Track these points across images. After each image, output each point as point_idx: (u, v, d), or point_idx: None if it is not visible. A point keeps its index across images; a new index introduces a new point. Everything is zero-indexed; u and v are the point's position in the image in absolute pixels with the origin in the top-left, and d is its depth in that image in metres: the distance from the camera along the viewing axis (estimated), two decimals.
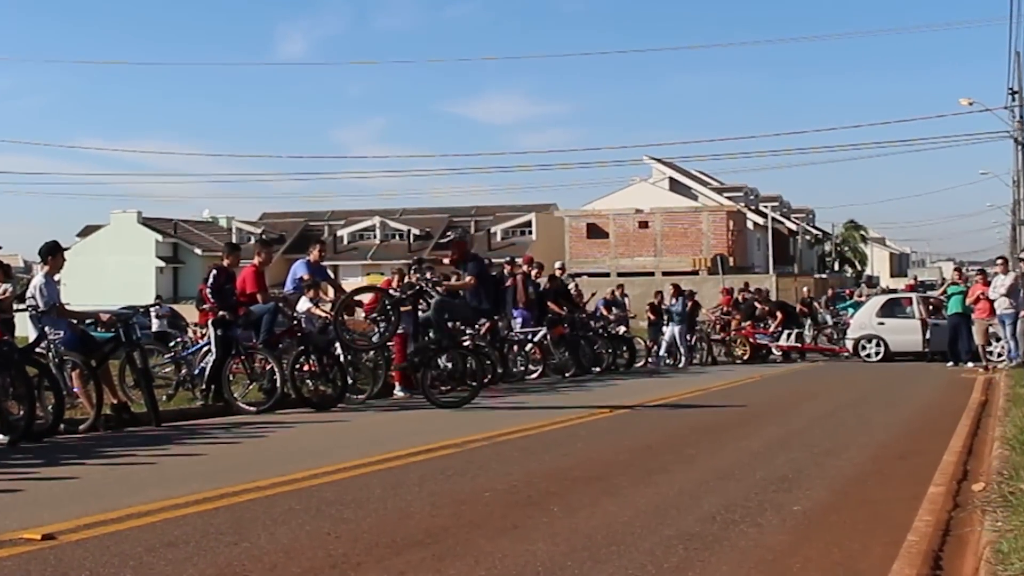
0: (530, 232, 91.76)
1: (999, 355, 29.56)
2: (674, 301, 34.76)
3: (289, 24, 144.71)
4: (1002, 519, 7.32)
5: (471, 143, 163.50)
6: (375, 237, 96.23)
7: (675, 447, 12.81)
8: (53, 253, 15.38)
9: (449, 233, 21.69)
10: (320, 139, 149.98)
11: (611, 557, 6.92)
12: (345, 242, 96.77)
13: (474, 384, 17.89)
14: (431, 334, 17.88)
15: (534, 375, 25.22)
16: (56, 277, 15.49)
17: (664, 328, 34.91)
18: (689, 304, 35.24)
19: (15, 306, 15.98)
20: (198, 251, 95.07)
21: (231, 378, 17.60)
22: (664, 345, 34.70)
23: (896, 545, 7.28)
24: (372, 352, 20.20)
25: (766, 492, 9.52)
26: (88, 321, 15.94)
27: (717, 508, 8.67)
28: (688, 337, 35.04)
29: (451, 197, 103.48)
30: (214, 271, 18.73)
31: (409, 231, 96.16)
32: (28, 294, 15.16)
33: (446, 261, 16.52)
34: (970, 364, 29.20)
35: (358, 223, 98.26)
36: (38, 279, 15.31)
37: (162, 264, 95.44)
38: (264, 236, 72.93)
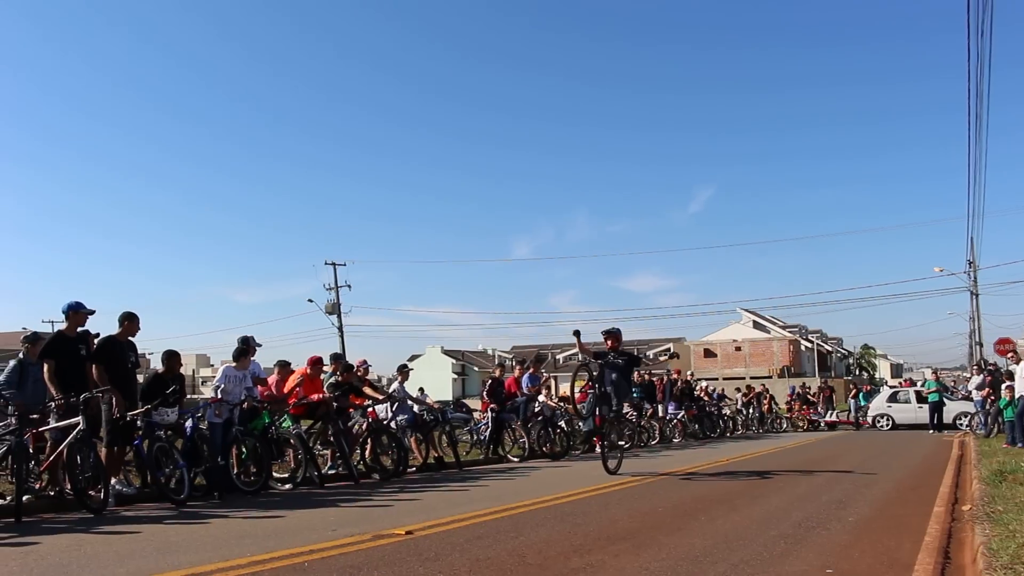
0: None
1: (966, 426, 28.38)
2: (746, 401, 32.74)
3: (517, 237, 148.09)
4: (988, 528, 6.88)
5: (627, 302, 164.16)
6: (577, 359, 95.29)
7: (767, 481, 12.32)
8: (404, 371, 15.94)
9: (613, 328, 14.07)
10: (542, 303, 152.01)
11: (741, 547, 6.70)
12: (561, 362, 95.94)
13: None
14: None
15: (678, 439, 24.60)
16: (404, 384, 15.87)
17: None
18: (766, 399, 34.56)
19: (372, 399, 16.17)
20: (476, 368, 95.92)
21: (503, 442, 17.71)
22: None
23: (918, 543, 6.91)
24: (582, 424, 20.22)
25: (830, 509, 9.09)
26: (421, 408, 16.10)
27: (801, 518, 8.30)
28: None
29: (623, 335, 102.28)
30: (489, 380, 18.94)
31: None
32: (396, 393, 15.49)
33: (609, 343, 13.47)
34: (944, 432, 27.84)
35: (568, 350, 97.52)
36: (396, 386, 15.73)
37: (455, 376, 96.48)
38: (521, 358, 73.55)
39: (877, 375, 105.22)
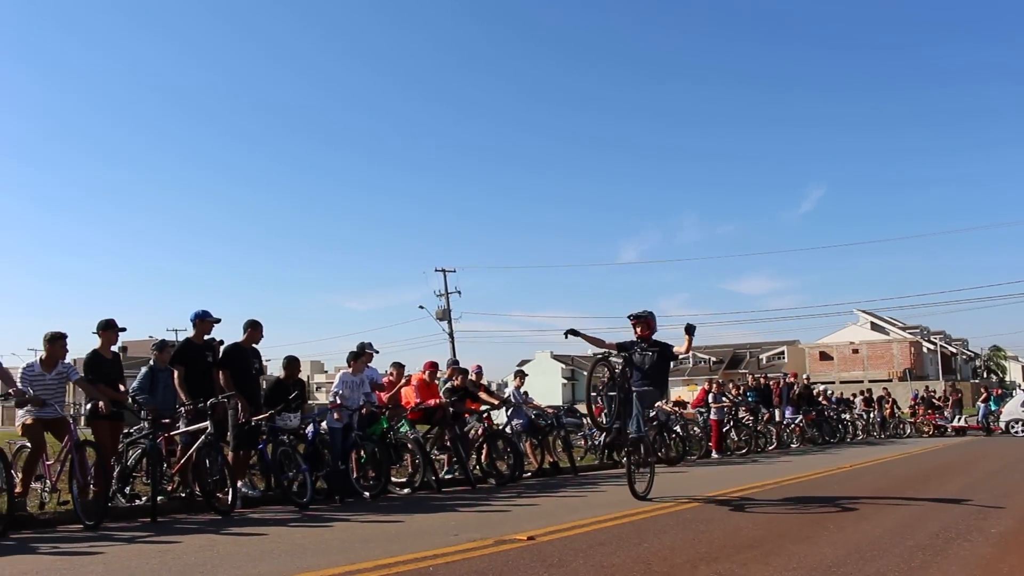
0: (783, 358, 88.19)
1: None
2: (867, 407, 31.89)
3: (624, 240, 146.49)
4: None
5: (738, 304, 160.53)
6: (689, 361, 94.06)
7: (897, 489, 11.85)
8: (521, 375, 15.91)
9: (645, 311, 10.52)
10: (650, 307, 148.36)
11: (875, 557, 6.43)
12: (671, 366, 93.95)
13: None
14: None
15: (796, 445, 23.94)
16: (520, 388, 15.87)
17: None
18: (888, 402, 33.36)
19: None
20: (585, 373, 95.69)
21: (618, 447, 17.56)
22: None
23: None
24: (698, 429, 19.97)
25: (969, 519, 8.63)
26: (536, 412, 16.03)
27: (938, 529, 7.92)
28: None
29: (731, 338, 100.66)
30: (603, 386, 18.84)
31: (710, 358, 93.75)
32: (511, 398, 15.51)
33: (638, 330, 10.48)
34: None
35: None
36: (511, 390, 15.72)
37: (565, 381, 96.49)
38: None
39: (1007, 378, 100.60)
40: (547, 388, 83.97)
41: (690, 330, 10.20)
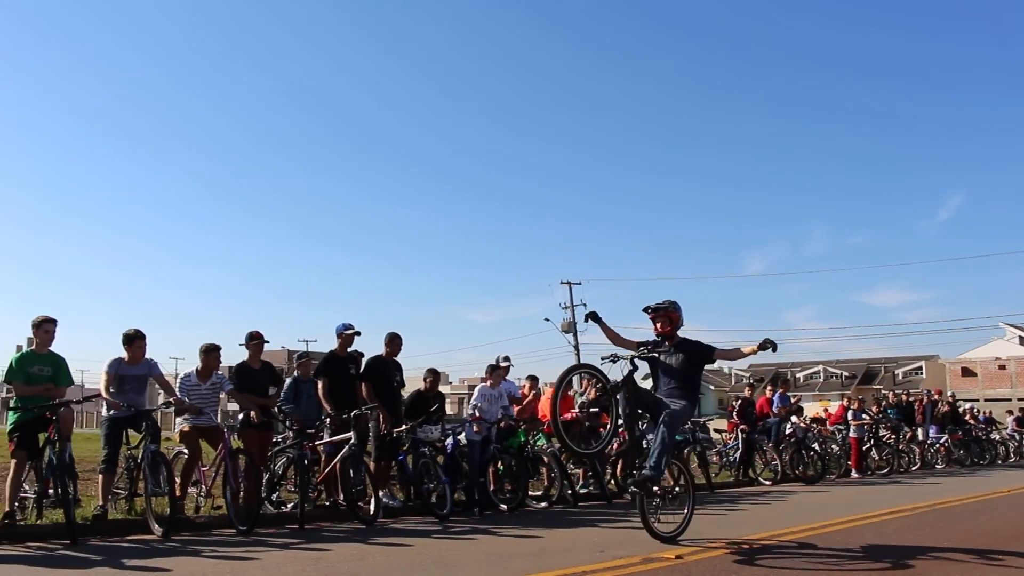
0: (921, 373, 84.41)
1: None
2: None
3: (749, 251, 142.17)
4: None
5: (871, 318, 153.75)
6: (820, 377, 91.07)
7: None
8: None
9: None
10: (777, 320, 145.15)
11: None
12: (801, 381, 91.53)
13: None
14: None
15: (941, 466, 22.79)
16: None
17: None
18: None
19: None
20: (711, 387, 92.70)
21: (754, 464, 17.17)
22: None
23: None
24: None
25: None
26: None
27: None
28: None
29: (864, 352, 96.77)
30: (739, 400, 18.45)
31: (841, 373, 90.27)
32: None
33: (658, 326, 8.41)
34: None
35: (808, 368, 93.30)
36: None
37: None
38: (759, 376, 71.17)
39: None
40: None
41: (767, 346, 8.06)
